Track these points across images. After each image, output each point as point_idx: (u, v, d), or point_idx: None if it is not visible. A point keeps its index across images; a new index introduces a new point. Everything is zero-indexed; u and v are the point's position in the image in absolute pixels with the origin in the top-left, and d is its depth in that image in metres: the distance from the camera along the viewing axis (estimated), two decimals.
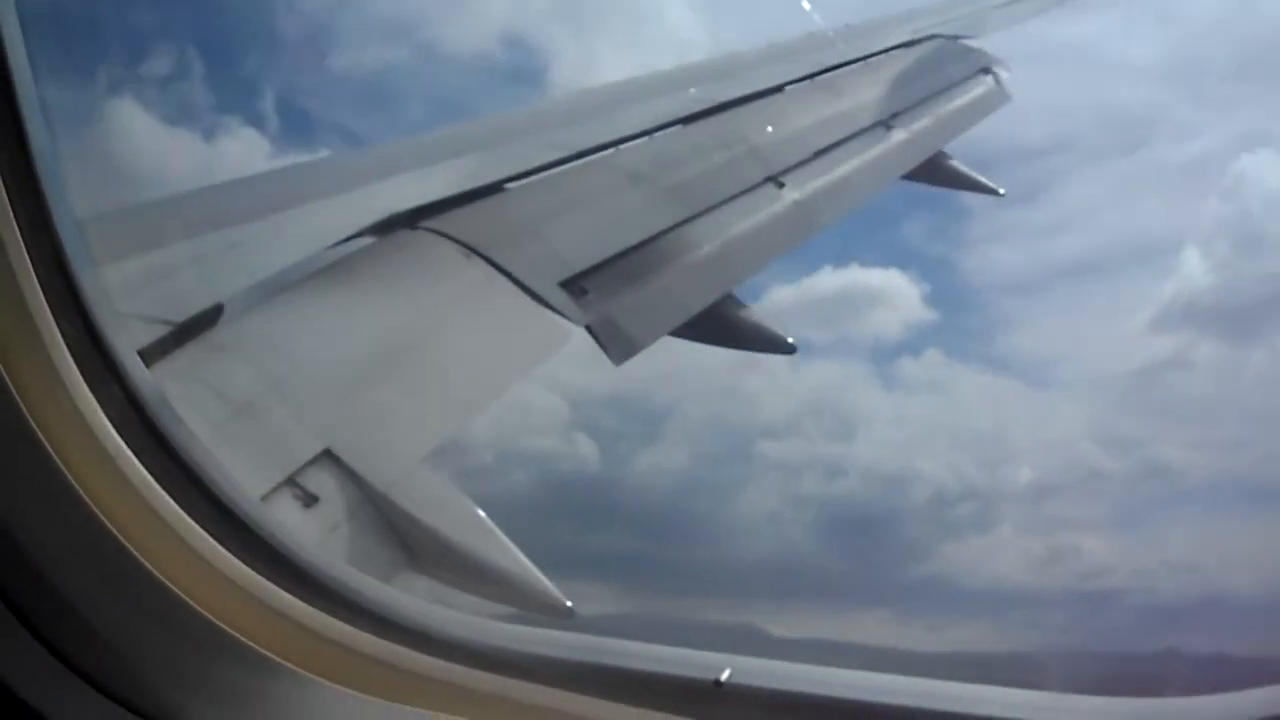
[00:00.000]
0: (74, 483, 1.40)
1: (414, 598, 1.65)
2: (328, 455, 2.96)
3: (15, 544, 1.39)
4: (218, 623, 1.44)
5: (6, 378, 1.36)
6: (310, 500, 2.85)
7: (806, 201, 5.05)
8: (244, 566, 1.50)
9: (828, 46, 6.28)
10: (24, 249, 1.38)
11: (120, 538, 1.42)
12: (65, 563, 1.42)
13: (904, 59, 6.53)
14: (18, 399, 1.37)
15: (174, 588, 1.44)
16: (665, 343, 4.39)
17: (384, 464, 3.06)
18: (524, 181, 4.48)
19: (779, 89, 5.77)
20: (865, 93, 6.08)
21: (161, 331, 3.07)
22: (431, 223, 3.99)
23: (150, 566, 1.43)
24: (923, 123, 6.05)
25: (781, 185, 5.04)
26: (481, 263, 3.89)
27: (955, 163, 6.09)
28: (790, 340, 4.74)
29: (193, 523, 1.49)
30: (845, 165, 5.41)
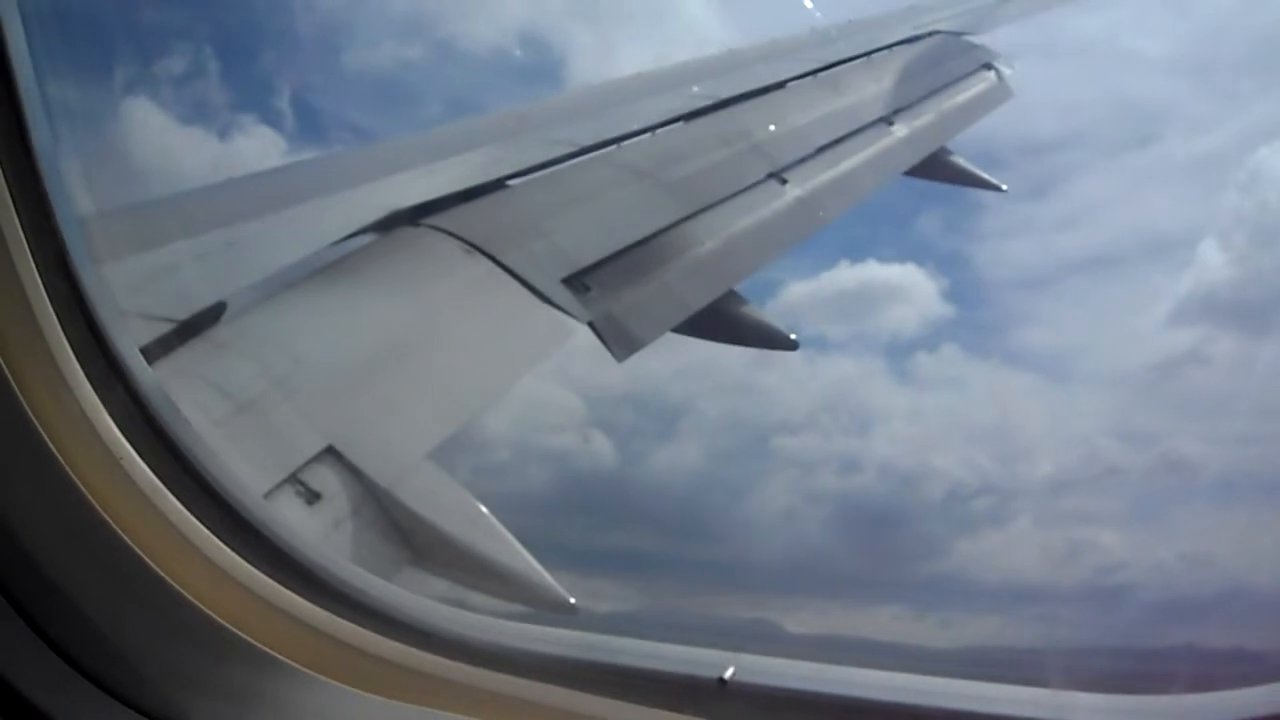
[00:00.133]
0: (77, 481, 1.40)
1: (417, 595, 1.65)
2: (330, 452, 2.96)
3: (18, 542, 1.39)
4: (221, 621, 1.44)
5: (9, 376, 1.36)
6: (313, 497, 2.85)
7: (809, 198, 5.05)
8: (247, 565, 1.50)
9: (830, 43, 6.28)
10: (26, 247, 1.38)
11: (123, 535, 1.42)
12: (68, 561, 1.42)
13: (906, 55, 6.52)
14: (20, 397, 1.37)
15: (177, 586, 1.44)
16: (680, 339, 4.40)
17: (387, 461, 3.05)
18: (526, 178, 4.48)
19: (781, 85, 5.76)
20: (867, 89, 6.08)
21: (164, 329, 3.07)
22: (434, 220, 3.99)
23: (153, 565, 1.43)
24: (925, 119, 6.04)
25: (784, 181, 5.04)
26: (484, 259, 3.89)
27: (958, 159, 6.09)
28: (793, 336, 4.74)
29: (196, 521, 1.49)
30: (847, 162, 5.40)
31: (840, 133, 5.52)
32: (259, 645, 1.44)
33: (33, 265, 1.39)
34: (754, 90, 5.60)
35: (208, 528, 1.50)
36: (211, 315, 3.26)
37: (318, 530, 2.78)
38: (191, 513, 1.49)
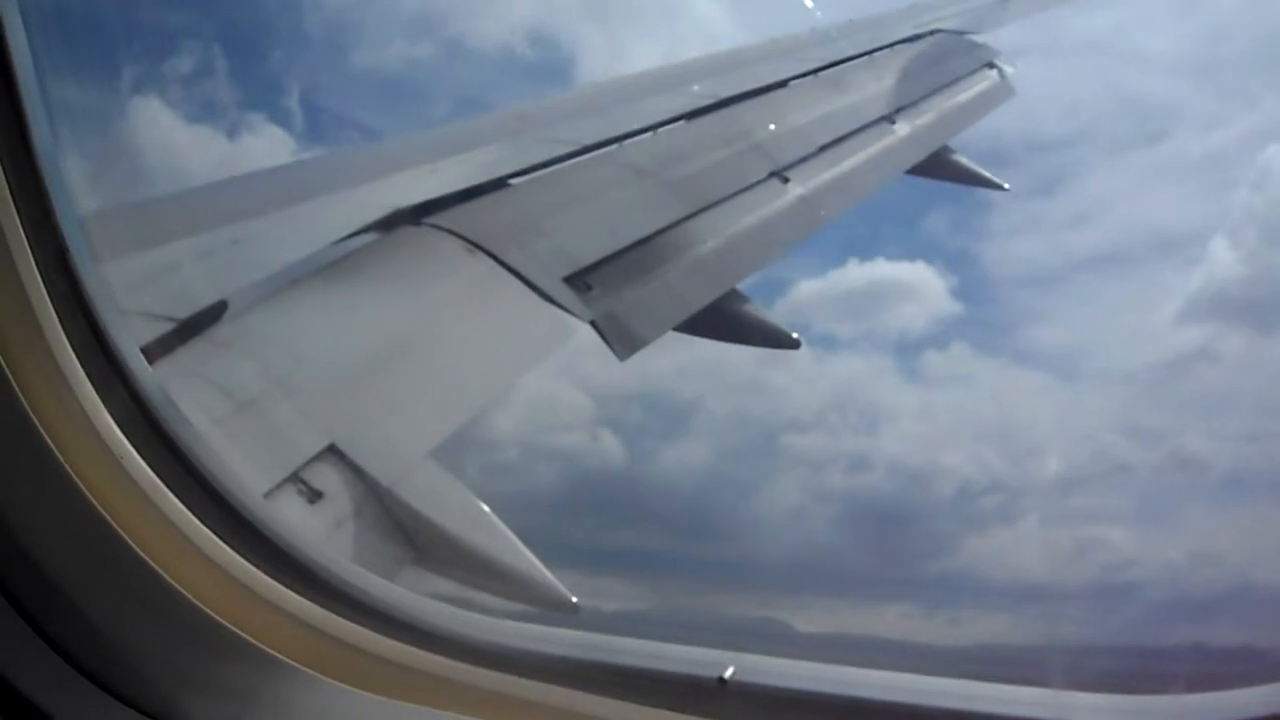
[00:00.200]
0: (76, 479, 1.40)
1: (417, 594, 1.65)
2: (332, 451, 2.96)
3: (18, 540, 1.39)
4: (220, 620, 1.44)
5: (9, 374, 1.36)
6: (314, 496, 2.85)
7: (811, 197, 5.04)
8: (246, 563, 1.50)
9: (832, 41, 6.27)
10: (27, 245, 1.38)
11: (123, 534, 1.42)
12: (68, 559, 1.42)
13: (908, 54, 6.52)
14: (20, 396, 1.37)
15: (176, 585, 1.44)
16: (682, 338, 4.40)
17: (389, 459, 3.05)
18: (528, 177, 4.48)
19: (783, 84, 5.76)
20: (869, 88, 6.07)
21: (165, 328, 3.07)
22: (436, 218, 3.99)
23: (153, 563, 1.43)
24: (927, 118, 6.04)
25: (786, 180, 5.03)
26: (486, 258, 3.89)
27: (960, 157, 6.08)
28: (795, 335, 4.74)
29: (195, 520, 1.49)
30: (849, 160, 5.40)
31: (842, 131, 5.51)
32: (258, 644, 1.44)
33: (33, 263, 1.39)
34: (756, 89, 5.59)
35: (207, 526, 1.50)
36: (213, 314, 3.26)
37: (319, 529, 2.78)
38: (191, 511, 1.49)
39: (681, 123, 5.16)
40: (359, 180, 4.28)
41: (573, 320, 3.88)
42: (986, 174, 6.22)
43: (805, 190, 5.04)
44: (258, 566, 1.50)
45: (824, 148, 5.35)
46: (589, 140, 4.72)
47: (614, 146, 4.79)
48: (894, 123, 5.81)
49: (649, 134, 4.97)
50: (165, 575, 1.43)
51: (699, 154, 5.07)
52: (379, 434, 3.18)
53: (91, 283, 1.50)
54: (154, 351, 2.87)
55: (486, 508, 3.12)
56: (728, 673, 1.35)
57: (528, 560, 3.02)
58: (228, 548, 1.50)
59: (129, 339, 1.55)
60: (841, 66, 6.04)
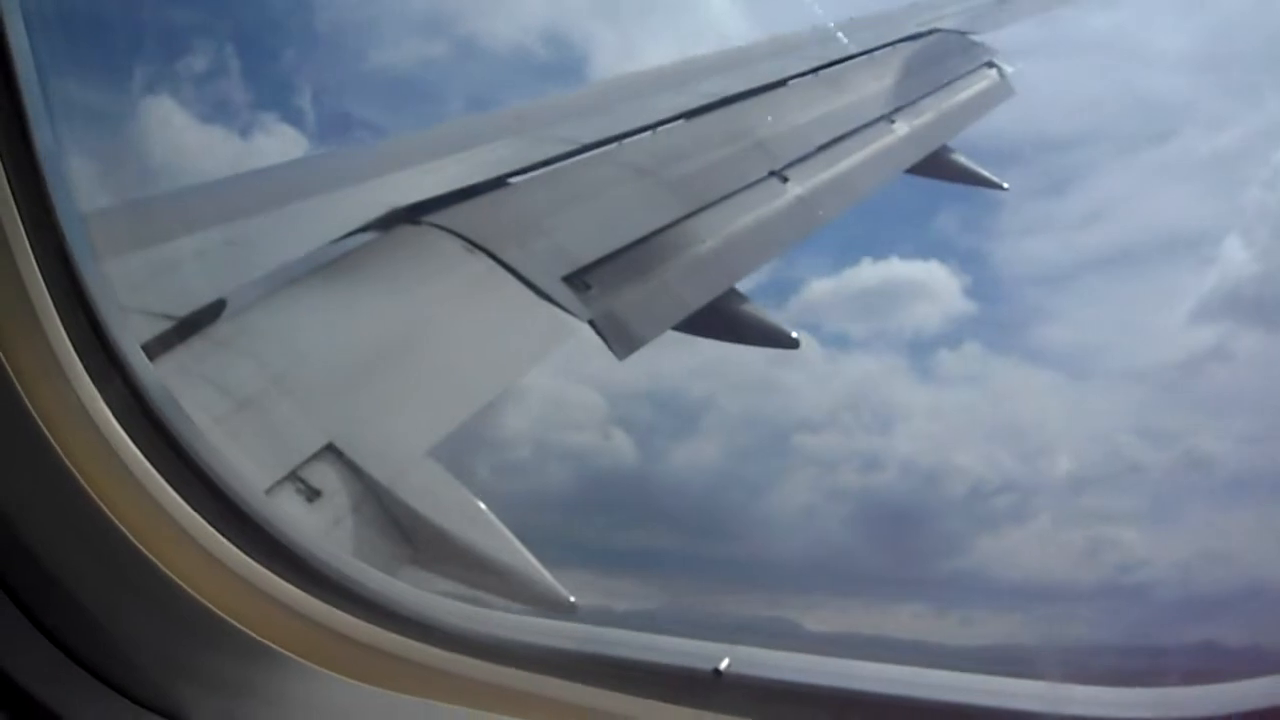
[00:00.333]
0: (75, 473, 1.40)
1: (414, 588, 1.65)
2: (330, 450, 2.96)
3: (16, 533, 1.39)
4: (218, 612, 1.44)
5: (7, 367, 1.36)
6: (313, 495, 2.85)
7: (810, 196, 5.05)
8: (244, 556, 1.50)
9: (831, 40, 6.27)
10: (26, 241, 1.39)
11: (121, 527, 1.42)
12: (66, 552, 1.42)
13: (907, 53, 6.52)
14: (19, 389, 1.37)
15: (174, 577, 1.44)
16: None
17: (387, 458, 3.05)
18: (527, 176, 4.48)
19: (782, 83, 5.76)
20: (869, 87, 6.08)
21: (164, 326, 3.08)
22: (434, 217, 3.99)
23: (150, 556, 1.43)
24: (926, 117, 6.04)
25: (785, 180, 5.04)
26: (484, 257, 3.89)
27: (959, 156, 6.08)
28: (794, 335, 4.74)
29: (193, 513, 1.49)
30: (848, 160, 5.40)
31: (841, 131, 5.52)
32: (255, 636, 1.44)
33: (31, 257, 1.39)
34: (755, 88, 5.60)
35: (205, 519, 1.50)
36: (211, 312, 3.26)
37: (318, 528, 2.78)
38: (189, 504, 1.49)
39: (681, 121, 5.16)
40: (358, 179, 4.28)
41: (571, 319, 3.88)
42: (986, 173, 6.22)
43: (804, 190, 5.05)
44: (255, 559, 1.50)
45: (823, 147, 5.35)
46: (588, 139, 4.73)
47: (613, 145, 4.79)
48: (893, 122, 5.81)
49: (648, 133, 4.98)
50: (162, 567, 1.43)
51: (698, 153, 5.08)
52: (377, 433, 3.18)
53: (90, 277, 1.51)
54: (153, 349, 2.87)
55: (484, 506, 3.12)
56: (723, 665, 1.36)
57: (526, 560, 3.02)
58: (225, 540, 1.50)
59: (127, 332, 1.55)
60: (841, 65, 6.04)
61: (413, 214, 3.98)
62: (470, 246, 3.90)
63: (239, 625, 1.45)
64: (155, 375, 1.60)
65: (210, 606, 1.44)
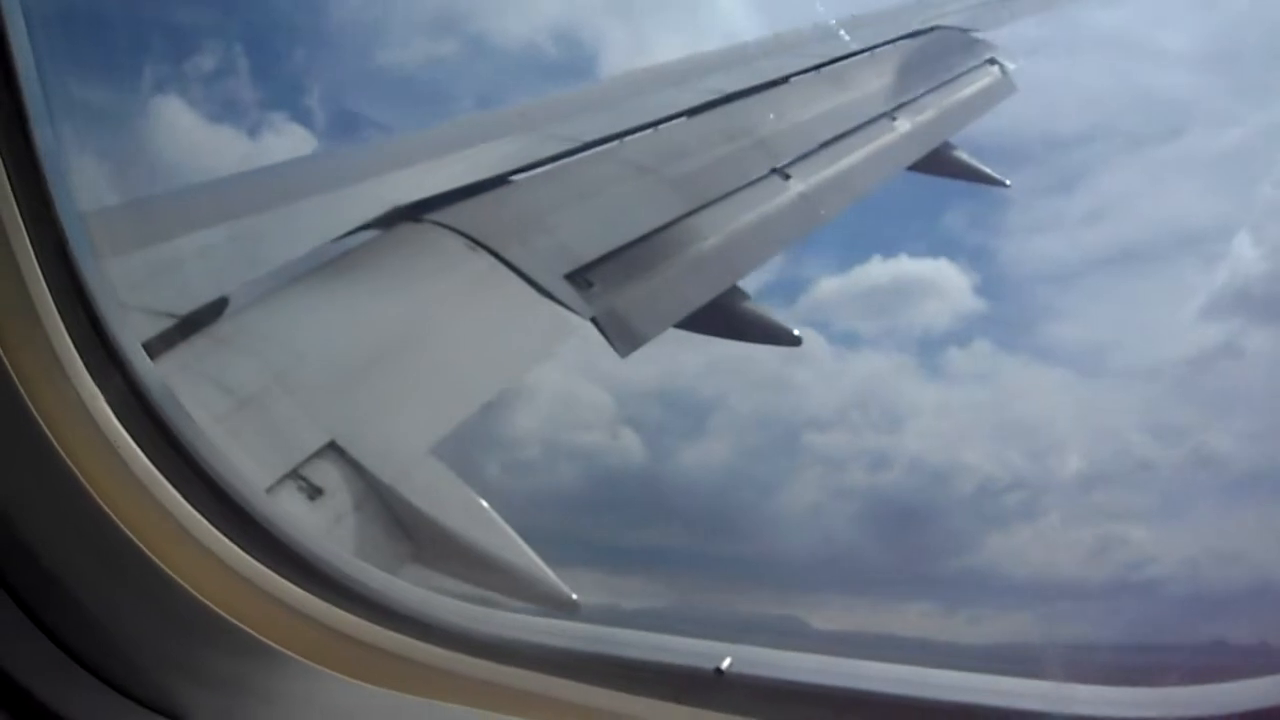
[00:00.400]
0: (75, 470, 1.40)
1: (415, 587, 1.65)
2: (332, 448, 2.96)
3: (16, 531, 1.39)
4: (218, 611, 1.44)
5: (8, 365, 1.36)
6: (315, 493, 2.86)
7: (811, 193, 5.04)
8: (245, 555, 1.50)
9: (833, 38, 6.27)
10: (26, 238, 1.38)
11: (121, 525, 1.42)
12: (66, 550, 1.42)
13: (909, 50, 6.51)
14: (19, 387, 1.37)
15: (174, 575, 1.44)
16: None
17: (389, 456, 3.06)
18: (529, 174, 4.48)
19: (784, 80, 5.76)
20: (870, 84, 6.07)
21: (166, 324, 3.08)
22: (436, 215, 3.99)
23: (150, 554, 1.43)
24: (928, 114, 6.03)
25: (787, 177, 5.03)
26: (486, 255, 3.89)
27: (961, 153, 6.07)
28: (796, 333, 4.73)
29: (193, 510, 1.49)
30: (850, 157, 5.39)
31: (843, 128, 5.51)
32: (255, 635, 1.44)
33: (32, 254, 1.39)
34: (757, 85, 5.59)
35: (205, 517, 1.50)
36: (213, 310, 3.26)
37: (319, 526, 2.78)
38: (189, 502, 1.49)
39: (683, 119, 5.16)
40: (360, 177, 4.29)
41: (573, 317, 3.88)
42: (988, 170, 6.22)
43: (806, 187, 5.04)
44: (256, 558, 1.50)
45: (825, 144, 5.35)
46: (590, 136, 4.73)
47: (615, 143, 4.79)
48: (895, 119, 5.80)
49: (650, 130, 4.97)
50: (163, 566, 1.43)
51: (700, 150, 5.07)
52: (379, 431, 3.18)
53: (90, 274, 1.51)
54: (155, 347, 2.88)
55: (486, 504, 3.12)
56: (725, 664, 1.35)
57: (528, 558, 3.02)
58: (226, 539, 1.50)
59: (127, 329, 1.55)
60: (843, 63, 6.03)
61: (415, 212, 3.98)
62: (472, 244, 3.90)
63: (239, 624, 1.45)
64: (155, 373, 1.60)
65: (210, 605, 1.44)
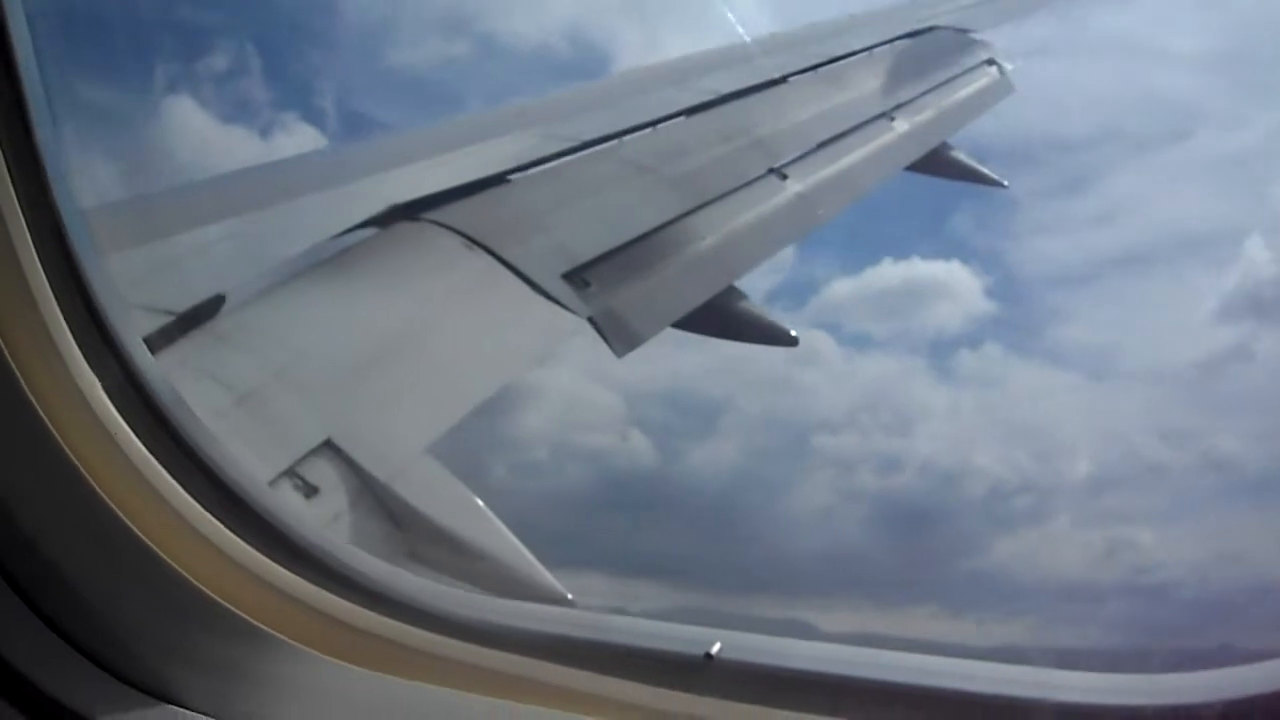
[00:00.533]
0: (73, 458, 1.41)
1: (410, 573, 1.66)
2: (329, 446, 2.97)
3: (15, 520, 1.40)
4: (215, 597, 1.45)
5: (6, 354, 1.37)
6: (311, 491, 2.86)
7: (809, 193, 5.05)
8: (241, 542, 1.51)
9: (831, 38, 6.28)
10: (26, 230, 1.39)
11: (119, 513, 1.43)
12: (64, 538, 1.43)
13: (907, 51, 6.53)
14: (17, 375, 1.38)
15: (172, 563, 1.45)
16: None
17: (385, 455, 3.06)
18: (527, 173, 4.49)
19: (782, 80, 5.77)
20: (868, 84, 6.08)
21: (164, 321, 3.09)
22: (434, 214, 4.00)
23: (148, 541, 1.44)
24: (926, 114, 6.04)
25: (784, 177, 5.04)
26: (483, 254, 3.90)
27: (958, 154, 6.09)
28: (793, 333, 4.74)
29: (191, 499, 1.50)
30: (848, 157, 5.40)
31: (841, 128, 5.52)
32: (252, 621, 1.45)
33: (30, 243, 1.40)
34: (755, 85, 5.60)
35: (202, 505, 1.51)
36: (211, 308, 3.27)
37: (315, 523, 2.78)
38: (186, 490, 1.50)
39: (681, 118, 5.17)
40: (358, 175, 4.30)
41: (571, 317, 3.89)
42: (986, 171, 6.23)
43: (804, 187, 5.05)
44: (251, 544, 1.51)
45: (822, 144, 5.36)
46: (588, 136, 4.74)
47: (613, 142, 4.80)
48: (893, 119, 5.82)
49: (648, 130, 4.98)
50: (160, 553, 1.44)
51: (698, 150, 5.09)
52: (375, 429, 3.19)
53: (92, 270, 1.52)
54: (153, 344, 2.88)
55: (481, 503, 3.13)
56: (714, 649, 1.36)
57: (522, 556, 3.03)
58: (222, 526, 1.51)
59: (125, 319, 1.56)
60: (840, 63, 6.05)
61: (412, 210, 3.99)
62: (470, 243, 3.91)
63: (235, 610, 1.45)
64: (154, 364, 1.61)
65: (207, 591, 1.45)
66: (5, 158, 1.37)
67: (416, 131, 5.65)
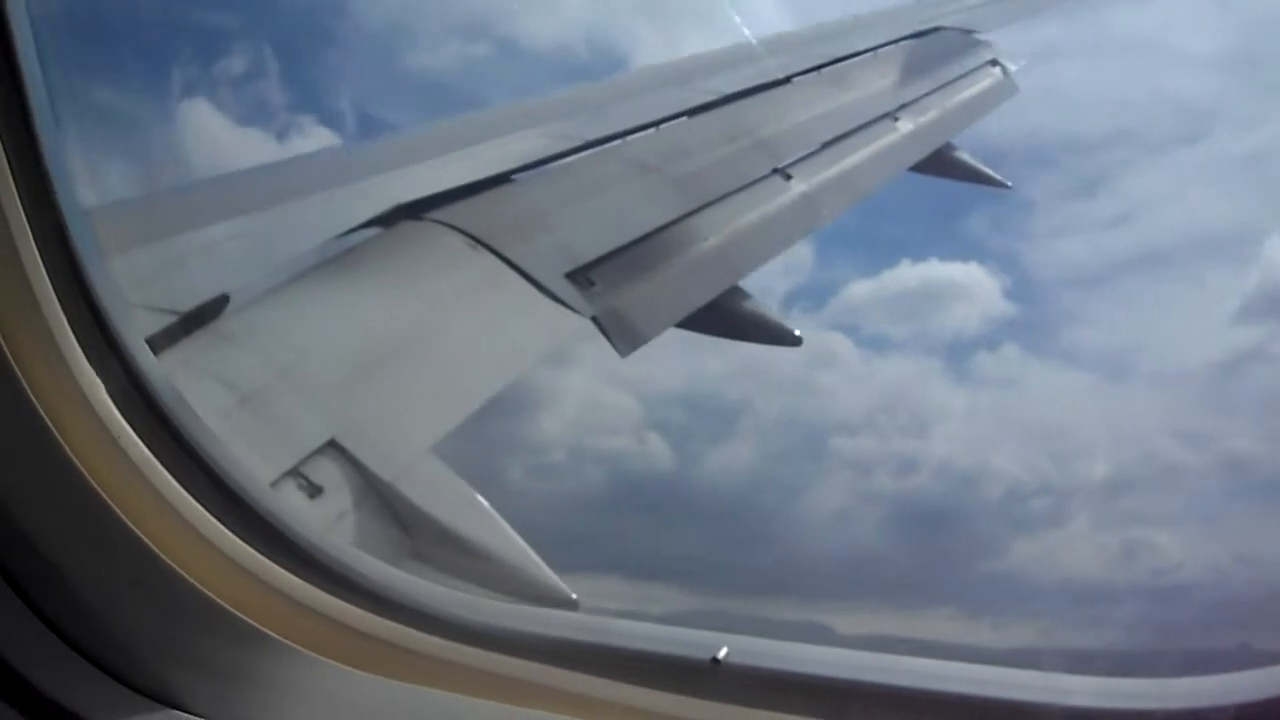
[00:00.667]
0: (74, 459, 1.40)
1: (413, 576, 1.65)
2: (333, 446, 2.97)
3: (16, 521, 1.40)
4: (217, 599, 1.45)
5: (8, 354, 1.37)
6: (315, 491, 2.86)
7: (813, 193, 5.05)
8: (244, 544, 1.50)
9: (835, 38, 6.28)
10: (28, 229, 1.39)
11: (121, 515, 1.42)
12: (66, 540, 1.43)
13: (911, 51, 6.51)
14: (19, 376, 1.37)
15: (174, 565, 1.44)
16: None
17: (389, 455, 3.06)
18: (531, 173, 4.49)
19: (786, 80, 5.76)
20: (872, 85, 6.07)
21: (168, 321, 3.09)
22: (438, 214, 4.00)
23: (151, 544, 1.44)
24: (930, 115, 6.04)
25: (788, 177, 5.04)
26: (487, 254, 3.90)
27: (963, 155, 6.08)
28: (797, 333, 4.73)
29: (193, 501, 1.50)
30: (851, 158, 5.40)
31: (845, 129, 5.52)
32: (254, 624, 1.44)
33: (32, 243, 1.39)
34: (759, 85, 5.60)
35: (205, 508, 1.50)
36: (215, 308, 3.27)
37: (319, 524, 2.78)
38: (189, 493, 1.50)
39: (685, 118, 5.16)
40: (362, 175, 4.30)
41: (574, 316, 3.89)
42: (990, 172, 6.22)
43: (808, 187, 5.05)
44: (254, 547, 1.51)
45: (826, 144, 5.35)
46: (592, 135, 4.73)
47: (617, 142, 4.80)
48: (896, 120, 5.81)
49: (652, 129, 4.98)
50: (162, 555, 1.43)
51: (702, 150, 5.08)
52: (380, 429, 3.18)
53: (93, 265, 1.51)
54: (157, 344, 2.89)
55: (487, 503, 3.12)
56: (721, 654, 1.35)
57: (528, 557, 3.02)
58: (224, 528, 1.50)
59: (128, 320, 1.55)
60: (844, 63, 6.04)
61: (416, 210, 3.99)
62: (473, 243, 3.91)
63: (238, 613, 1.45)
64: (157, 365, 1.61)
65: (209, 594, 1.44)
66: (8, 157, 1.36)
67: (420, 131, 5.64)
